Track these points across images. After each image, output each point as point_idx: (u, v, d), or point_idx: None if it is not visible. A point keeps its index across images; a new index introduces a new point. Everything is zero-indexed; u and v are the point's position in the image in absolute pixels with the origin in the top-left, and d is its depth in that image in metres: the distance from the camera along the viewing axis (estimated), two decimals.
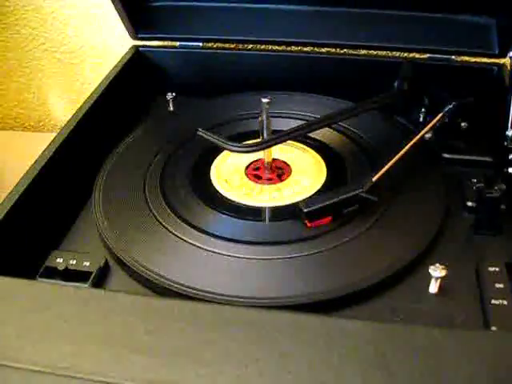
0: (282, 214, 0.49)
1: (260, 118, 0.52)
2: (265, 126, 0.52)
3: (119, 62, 0.66)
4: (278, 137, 0.49)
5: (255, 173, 0.54)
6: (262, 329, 0.29)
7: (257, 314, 0.30)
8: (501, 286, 0.40)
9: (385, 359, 0.27)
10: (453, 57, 0.63)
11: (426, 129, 0.53)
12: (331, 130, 0.58)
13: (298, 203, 0.48)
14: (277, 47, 0.69)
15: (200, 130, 0.50)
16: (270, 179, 0.53)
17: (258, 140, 0.51)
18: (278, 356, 0.27)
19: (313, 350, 0.27)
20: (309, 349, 0.27)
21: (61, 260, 0.44)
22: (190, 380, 0.26)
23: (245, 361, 0.27)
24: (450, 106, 0.55)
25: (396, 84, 0.57)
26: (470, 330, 0.34)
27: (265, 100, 0.50)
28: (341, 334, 0.28)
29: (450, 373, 0.27)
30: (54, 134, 0.52)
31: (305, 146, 0.57)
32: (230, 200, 0.51)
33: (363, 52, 0.69)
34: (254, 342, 0.28)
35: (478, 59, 0.64)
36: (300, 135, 0.52)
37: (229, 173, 0.54)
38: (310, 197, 0.50)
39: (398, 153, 0.50)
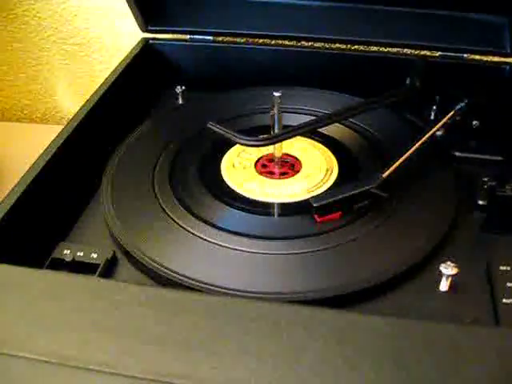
0: (291, 208, 0.49)
1: (271, 112, 0.51)
2: (276, 120, 0.51)
3: (128, 54, 0.65)
4: (289, 131, 0.49)
5: (265, 167, 0.54)
6: (275, 323, 0.28)
7: (271, 308, 0.29)
8: None
9: (399, 354, 0.27)
10: (465, 55, 0.63)
11: (437, 126, 0.52)
12: (342, 126, 0.58)
13: (308, 198, 0.47)
14: (287, 42, 0.69)
15: (210, 122, 0.49)
16: (279, 174, 0.53)
17: (269, 134, 0.51)
18: (291, 350, 0.27)
19: (327, 345, 0.27)
20: (323, 343, 0.27)
21: (68, 252, 0.43)
22: (203, 373, 0.26)
23: (258, 355, 0.27)
24: (462, 105, 0.54)
25: (408, 81, 0.57)
26: (486, 327, 0.34)
27: (276, 94, 0.50)
28: (355, 329, 0.28)
29: (465, 369, 0.26)
30: (61, 127, 0.52)
31: (315, 142, 0.57)
32: (239, 194, 0.50)
33: (374, 49, 0.68)
34: (267, 336, 0.28)
35: (490, 58, 0.63)
36: (311, 130, 0.51)
37: (238, 167, 0.54)
38: (320, 192, 0.50)
39: (409, 150, 0.49)
